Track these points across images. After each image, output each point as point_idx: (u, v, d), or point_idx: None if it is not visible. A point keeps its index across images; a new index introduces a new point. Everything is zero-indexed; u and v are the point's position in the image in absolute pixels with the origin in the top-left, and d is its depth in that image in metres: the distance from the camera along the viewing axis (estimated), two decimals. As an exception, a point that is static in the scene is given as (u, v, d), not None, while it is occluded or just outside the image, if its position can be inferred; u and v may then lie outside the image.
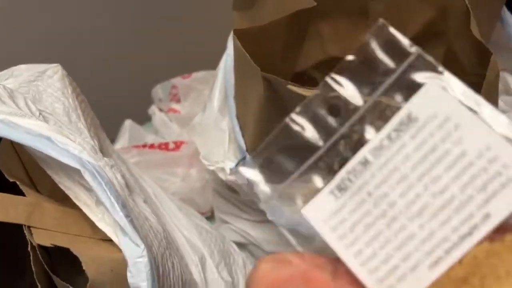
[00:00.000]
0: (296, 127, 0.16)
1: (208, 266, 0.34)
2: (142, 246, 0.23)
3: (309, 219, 0.16)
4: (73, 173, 0.25)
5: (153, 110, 0.53)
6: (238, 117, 0.35)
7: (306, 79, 0.38)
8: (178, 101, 0.52)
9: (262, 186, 0.16)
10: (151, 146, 0.46)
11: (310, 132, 0.16)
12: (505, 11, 0.33)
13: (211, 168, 0.38)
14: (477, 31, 0.28)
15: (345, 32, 0.38)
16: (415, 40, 0.41)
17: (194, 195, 0.43)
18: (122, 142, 0.50)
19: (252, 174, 0.16)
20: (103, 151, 0.30)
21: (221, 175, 0.37)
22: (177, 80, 0.53)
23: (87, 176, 0.23)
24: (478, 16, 0.29)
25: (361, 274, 0.15)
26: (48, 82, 0.29)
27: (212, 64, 0.42)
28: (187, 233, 0.35)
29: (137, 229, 0.23)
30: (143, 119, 0.55)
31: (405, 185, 0.15)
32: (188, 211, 0.39)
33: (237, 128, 0.35)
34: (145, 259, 0.23)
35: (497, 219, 0.14)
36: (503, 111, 0.35)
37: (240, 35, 0.31)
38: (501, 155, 0.14)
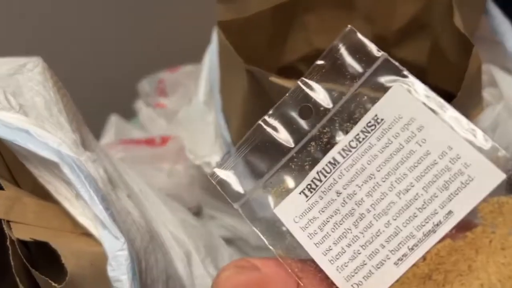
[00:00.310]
0: (268, 129, 0.17)
1: (194, 261, 0.34)
2: (122, 239, 0.23)
3: (281, 219, 0.17)
4: (53, 167, 0.25)
5: (140, 105, 0.53)
6: (223, 111, 0.35)
7: (292, 72, 0.39)
8: (165, 95, 0.52)
9: (236, 186, 0.17)
10: (138, 141, 0.46)
11: (282, 134, 0.17)
12: (489, 3, 0.34)
13: (197, 162, 0.38)
14: (461, 23, 0.29)
15: (331, 25, 0.38)
16: (401, 32, 0.42)
17: (181, 191, 0.44)
18: (108, 137, 0.50)
19: (226, 175, 0.17)
20: (86, 146, 0.30)
21: (207, 170, 0.38)
22: (165, 74, 0.53)
23: (65, 169, 0.23)
24: (462, 9, 0.29)
25: (330, 271, 0.16)
26: (28, 75, 0.29)
27: (199, 56, 0.42)
28: (173, 228, 0.35)
29: (117, 222, 0.23)
30: (129, 113, 0.55)
31: (371, 184, 0.16)
32: (174, 206, 0.39)
33: (222, 122, 0.35)
34: (125, 252, 0.23)
35: (459, 216, 0.15)
36: (488, 103, 0.35)
37: (224, 27, 0.31)
38: (462, 155, 0.15)
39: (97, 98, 0.55)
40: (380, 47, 0.40)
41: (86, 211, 0.24)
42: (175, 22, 0.60)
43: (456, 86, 0.29)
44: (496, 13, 0.34)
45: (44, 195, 0.27)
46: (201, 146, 0.37)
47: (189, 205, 0.45)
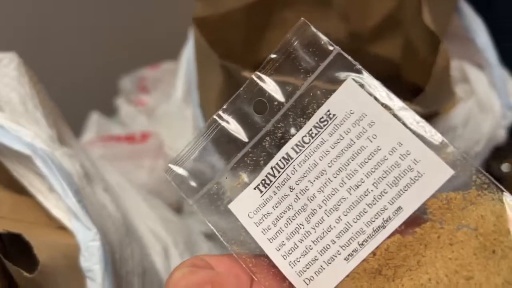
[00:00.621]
0: (223, 123, 0.17)
1: (172, 255, 0.35)
2: (95, 230, 0.23)
3: (236, 214, 0.17)
4: (27, 161, 0.25)
5: (121, 102, 0.53)
6: (200, 106, 0.36)
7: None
8: (147, 92, 0.53)
9: (191, 182, 0.17)
10: (118, 138, 0.47)
11: (236, 129, 0.17)
12: (461, 1, 0.35)
13: (176, 158, 0.38)
14: (430, 20, 0.30)
15: (309, 22, 0.39)
16: (376, 29, 0.43)
17: (162, 187, 0.44)
18: (89, 134, 0.50)
19: (181, 170, 0.17)
20: (63, 141, 0.30)
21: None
22: (146, 71, 0.54)
23: (38, 162, 0.24)
24: (432, 6, 0.30)
25: (283, 266, 0.16)
26: (3, 71, 0.30)
27: (181, 53, 0.43)
28: (151, 223, 0.36)
29: (90, 214, 0.24)
30: (112, 111, 0.55)
31: (323, 180, 0.16)
32: (153, 202, 0.40)
33: (200, 117, 0.36)
34: (97, 243, 0.23)
35: (408, 212, 0.15)
36: (460, 99, 0.36)
37: (199, 23, 0.32)
38: (412, 151, 0.15)
39: (78, 96, 0.56)
40: (356, 43, 0.41)
41: (60, 203, 0.24)
42: (157, 19, 0.61)
43: (427, 81, 0.30)
44: (468, 11, 0.35)
45: (20, 189, 0.27)
46: (179, 142, 0.38)
47: (170, 201, 0.46)
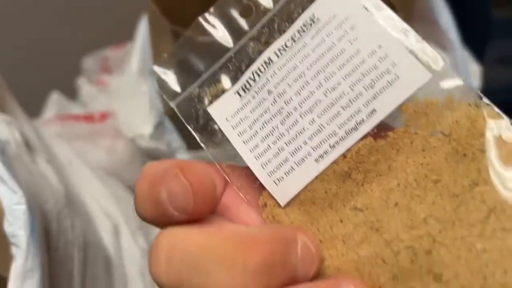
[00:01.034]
0: (208, 27, 0.17)
1: (123, 233, 0.34)
2: (20, 193, 0.22)
3: (214, 117, 0.16)
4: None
5: (82, 82, 0.51)
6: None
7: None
8: (110, 73, 0.51)
9: (173, 85, 0.17)
10: (76, 117, 0.45)
11: (221, 33, 0.17)
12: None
13: (130, 135, 0.37)
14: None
15: None
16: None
17: (120, 168, 0.43)
18: (49, 114, 0.48)
19: (164, 73, 0.17)
20: (3, 109, 0.29)
21: (141, 142, 0.37)
22: (109, 52, 0.52)
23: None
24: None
25: (255, 167, 0.16)
26: None
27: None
28: (103, 201, 0.35)
29: (16, 178, 0.22)
30: (74, 91, 0.54)
31: (301, 83, 0.16)
32: (109, 182, 0.39)
33: (155, 91, 0.34)
34: (23, 207, 0.22)
35: (382, 115, 0.15)
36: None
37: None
38: (391, 54, 0.15)
39: (42, 76, 0.54)
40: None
41: (-14, 166, 0.23)
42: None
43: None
44: (433, -7, 0.35)
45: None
46: (134, 118, 0.36)
47: (129, 183, 0.44)
